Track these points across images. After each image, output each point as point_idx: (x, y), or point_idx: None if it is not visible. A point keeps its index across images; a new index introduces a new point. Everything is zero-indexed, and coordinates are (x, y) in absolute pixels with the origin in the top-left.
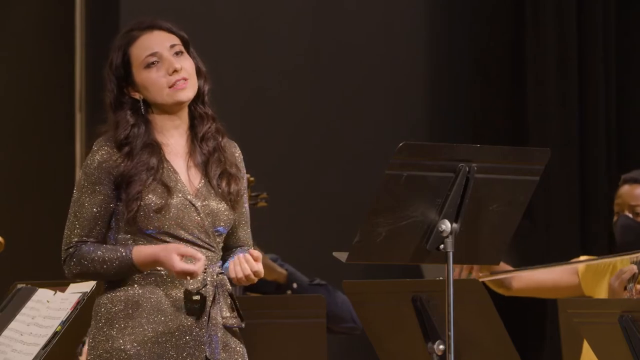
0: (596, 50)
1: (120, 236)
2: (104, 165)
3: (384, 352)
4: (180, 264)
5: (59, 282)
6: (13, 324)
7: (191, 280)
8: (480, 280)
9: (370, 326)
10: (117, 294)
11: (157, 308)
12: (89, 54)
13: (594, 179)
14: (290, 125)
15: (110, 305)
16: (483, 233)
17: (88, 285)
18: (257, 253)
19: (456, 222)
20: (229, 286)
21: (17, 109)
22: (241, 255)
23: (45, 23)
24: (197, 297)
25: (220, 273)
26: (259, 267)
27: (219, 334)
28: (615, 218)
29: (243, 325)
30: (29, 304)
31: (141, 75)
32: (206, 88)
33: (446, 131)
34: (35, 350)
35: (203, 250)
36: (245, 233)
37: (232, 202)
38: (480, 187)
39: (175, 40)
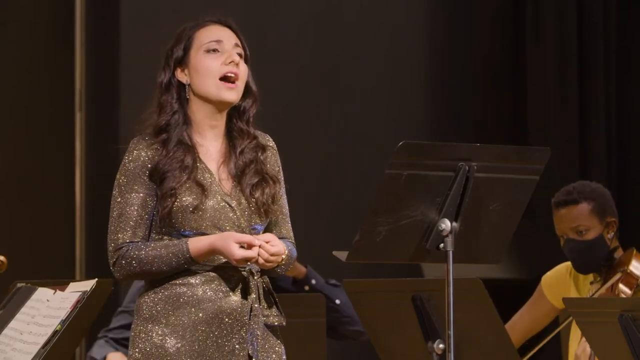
0: (596, 50)
1: (157, 236)
2: (140, 163)
3: (384, 351)
4: (240, 252)
5: (59, 281)
6: (13, 323)
7: (233, 278)
8: None
9: (370, 325)
10: (159, 293)
11: (198, 307)
12: (89, 54)
13: (594, 179)
14: (290, 125)
15: (152, 304)
16: (483, 232)
17: (88, 285)
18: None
19: (456, 221)
20: (269, 284)
21: (18, 109)
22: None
23: (45, 23)
24: (238, 295)
25: (259, 271)
26: (274, 249)
27: (260, 332)
28: (562, 243)
29: (284, 323)
30: (29, 303)
31: (197, 57)
32: (252, 110)
33: (446, 131)
34: (35, 349)
35: None
36: (282, 225)
37: (265, 211)
38: (480, 186)
39: (239, 44)
